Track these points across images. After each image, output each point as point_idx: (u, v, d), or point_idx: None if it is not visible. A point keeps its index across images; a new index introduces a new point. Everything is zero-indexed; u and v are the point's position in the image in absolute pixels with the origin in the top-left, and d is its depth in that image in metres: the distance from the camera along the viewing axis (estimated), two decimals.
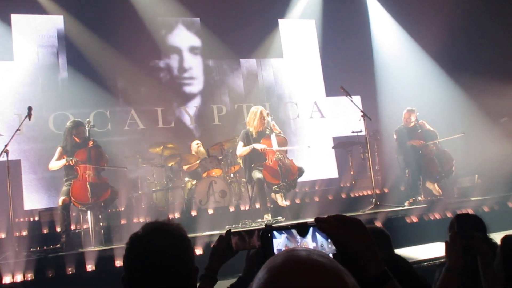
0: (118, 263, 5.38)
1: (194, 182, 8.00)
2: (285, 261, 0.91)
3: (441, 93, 10.04)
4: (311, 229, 1.21)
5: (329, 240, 1.19)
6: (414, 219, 6.72)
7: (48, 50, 9.16)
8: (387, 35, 11.27)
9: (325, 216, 1.18)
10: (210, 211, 7.54)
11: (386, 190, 8.86)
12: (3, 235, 6.80)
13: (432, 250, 5.03)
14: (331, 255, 1.16)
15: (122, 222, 7.54)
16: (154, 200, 7.81)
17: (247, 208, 7.61)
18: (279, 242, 1.20)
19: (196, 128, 10.00)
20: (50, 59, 9.14)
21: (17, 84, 8.73)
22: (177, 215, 7.49)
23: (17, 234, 6.43)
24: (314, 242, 1.21)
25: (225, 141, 8.40)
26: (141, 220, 7.52)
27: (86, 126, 6.75)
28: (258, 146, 7.02)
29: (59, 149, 6.60)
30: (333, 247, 1.17)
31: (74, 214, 6.74)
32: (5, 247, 5.86)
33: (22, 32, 8.96)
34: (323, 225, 1.16)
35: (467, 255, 2.09)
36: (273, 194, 7.32)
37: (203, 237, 5.89)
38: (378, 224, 6.33)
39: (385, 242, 2.85)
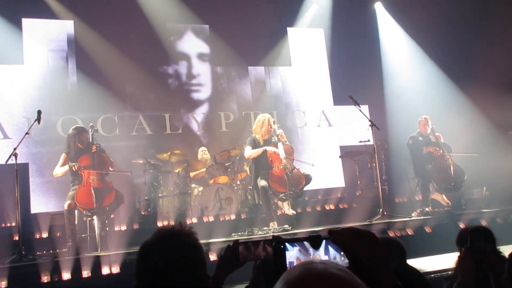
0: (124, 268, 5.38)
1: (201, 188, 8.00)
2: (302, 273, 0.90)
3: (450, 104, 10.00)
4: (323, 241, 1.20)
5: (342, 253, 1.18)
6: (422, 230, 6.69)
7: (58, 54, 9.21)
8: (396, 45, 11.26)
9: (339, 229, 1.18)
10: (216, 218, 7.53)
11: (393, 200, 8.82)
12: (10, 238, 6.82)
13: (439, 262, 5.00)
14: None
15: (129, 227, 7.55)
16: (160, 206, 7.81)
17: (253, 215, 7.60)
18: (292, 255, 1.20)
19: (203, 134, 10.01)
20: (59, 63, 9.19)
21: (27, 87, 8.78)
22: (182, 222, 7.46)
23: (24, 237, 6.43)
24: (327, 255, 1.20)
25: (232, 148, 8.41)
26: (148, 226, 7.53)
27: (90, 130, 6.76)
28: (270, 148, 7.01)
29: (63, 155, 6.63)
30: (346, 260, 1.16)
31: (84, 219, 6.73)
32: (12, 250, 5.87)
33: (32, 36, 9.02)
34: (336, 238, 1.15)
35: (479, 271, 2.07)
36: (279, 202, 7.30)
37: (209, 244, 5.88)
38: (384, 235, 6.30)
39: (399, 252, 2.83)
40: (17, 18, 8.87)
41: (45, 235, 7.20)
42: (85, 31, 9.20)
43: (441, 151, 7.97)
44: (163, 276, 1.66)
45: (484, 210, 7.69)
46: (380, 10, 11.43)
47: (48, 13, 9.02)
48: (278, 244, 1.19)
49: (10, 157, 6.04)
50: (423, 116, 8.29)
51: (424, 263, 5.05)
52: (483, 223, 6.78)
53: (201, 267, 1.74)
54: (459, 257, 2.12)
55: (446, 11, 10.07)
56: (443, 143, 8.18)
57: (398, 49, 11.21)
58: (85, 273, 5.28)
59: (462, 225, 6.47)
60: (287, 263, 1.19)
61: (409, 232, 6.64)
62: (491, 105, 9.32)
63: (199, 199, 7.74)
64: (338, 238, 1.15)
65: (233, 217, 7.59)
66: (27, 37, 8.97)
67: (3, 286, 4.88)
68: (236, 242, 2.04)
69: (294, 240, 1.21)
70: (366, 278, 1.08)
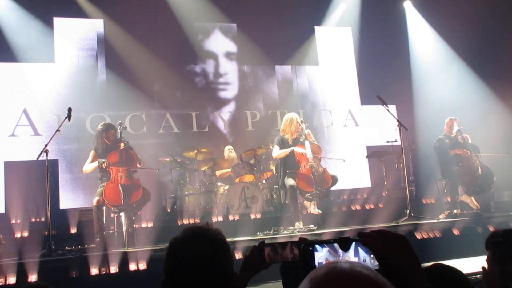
0: (150, 264, 5.44)
1: (227, 187, 8.03)
2: (328, 272, 0.90)
3: (480, 105, 9.79)
4: (353, 243, 1.20)
5: (372, 256, 1.17)
6: (450, 233, 6.58)
7: (88, 53, 9.36)
8: (425, 44, 11.09)
9: (369, 231, 1.17)
10: (242, 217, 7.55)
11: (420, 202, 8.69)
12: (40, 233, 6.97)
13: (468, 265, 4.91)
14: None
15: (156, 224, 7.63)
16: (186, 203, 7.87)
17: (278, 214, 7.59)
18: (321, 256, 1.20)
19: (229, 133, 10.05)
20: (89, 61, 9.34)
21: (57, 85, 8.94)
22: (208, 220, 7.51)
23: (53, 232, 6.56)
24: (356, 257, 1.19)
25: (258, 147, 8.41)
26: (174, 223, 7.60)
27: (118, 128, 6.85)
28: (298, 149, 6.99)
29: (92, 152, 6.74)
30: (376, 263, 1.15)
31: (112, 215, 6.82)
32: (41, 245, 6.00)
33: (63, 35, 9.18)
34: (366, 240, 1.14)
35: (504, 282, 2.00)
36: (305, 202, 7.28)
37: (234, 243, 5.90)
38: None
39: None
40: (49, 17, 9.05)
41: (73, 230, 7.34)
42: (114, 30, 9.34)
43: (468, 153, 7.80)
44: (191, 272, 1.69)
45: None
46: (409, 8, 11.29)
47: (79, 13, 9.18)
48: (307, 246, 1.19)
49: (41, 153, 6.16)
50: (449, 117, 8.15)
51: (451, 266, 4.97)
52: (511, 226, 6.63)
53: (228, 265, 1.78)
54: (483, 267, 2.06)
55: (476, 9, 9.86)
56: (471, 144, 8.01)
57: (427, 48, 11.04)
58: (113, 269, 5.36)
59: (491, 228, 6.34)
60: (316, 264, 1.18)
61: (437, 234, 6.54)
62: None
63: (225, 197, 7.77)
64: (368, 241, 1.14)
65: (258, 216, 7.60)
66: (58, 35, 9.14)
67: (33, 280, 4.98)
68: (262, 243, 2.01)
69: (324, 242, 1.21)
70: (397, 281, 1.07)
